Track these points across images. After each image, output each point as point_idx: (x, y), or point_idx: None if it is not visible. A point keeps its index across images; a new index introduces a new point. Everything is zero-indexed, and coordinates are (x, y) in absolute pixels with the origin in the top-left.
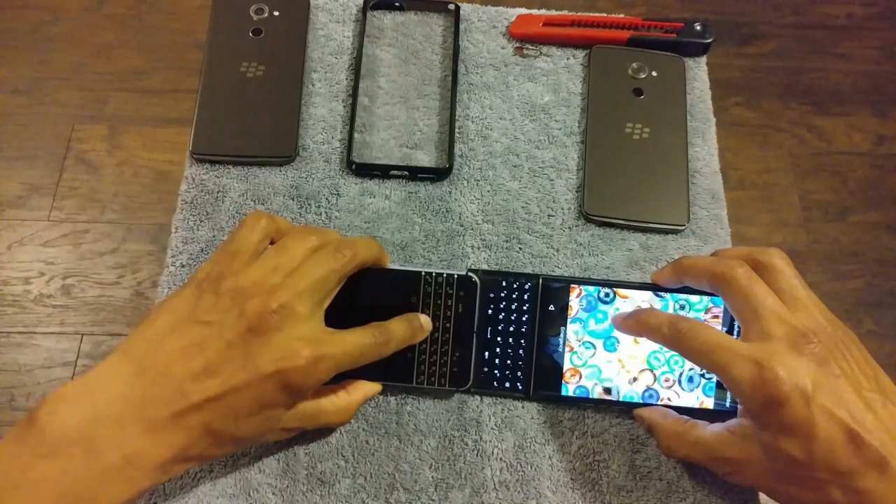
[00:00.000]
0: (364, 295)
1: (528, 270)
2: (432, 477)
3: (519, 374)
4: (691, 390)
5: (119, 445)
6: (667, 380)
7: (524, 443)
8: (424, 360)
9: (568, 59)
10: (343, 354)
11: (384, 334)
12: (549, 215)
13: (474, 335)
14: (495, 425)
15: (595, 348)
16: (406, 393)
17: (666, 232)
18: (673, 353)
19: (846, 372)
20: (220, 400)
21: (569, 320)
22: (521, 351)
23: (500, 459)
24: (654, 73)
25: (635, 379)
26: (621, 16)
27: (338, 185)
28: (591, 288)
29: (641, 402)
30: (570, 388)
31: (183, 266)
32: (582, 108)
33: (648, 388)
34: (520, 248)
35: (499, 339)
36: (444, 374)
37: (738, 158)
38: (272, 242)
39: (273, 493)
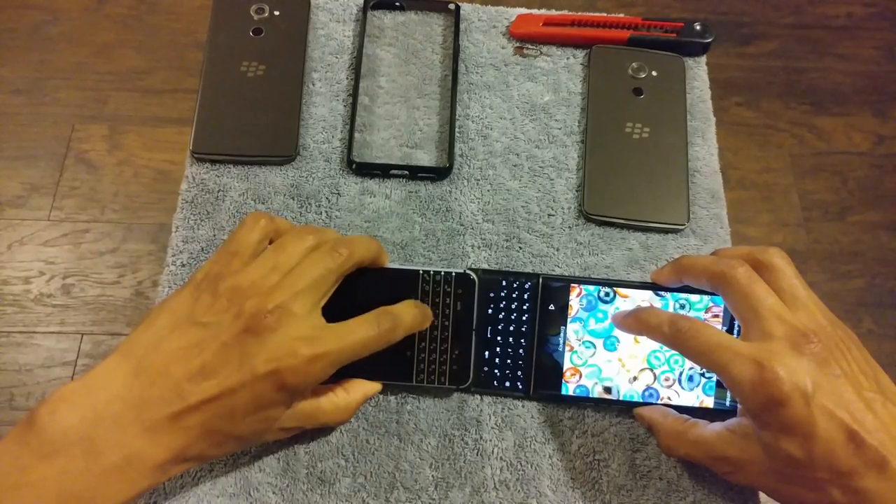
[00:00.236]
0: (363, 294)
1: (529, 270)
2: (432, 476)
3: (519, 373)
4: (691, 389)
5: (118, 446)
6: (667, 379)
7: (524, 442)
8: (424, 359)
9: (568, 58)
10: (341, 350)
11: (391, 320)
12: (549, 215)
13: (473, 333)
14: (495, 424)
15: (595, 347)
16: (406, 392)
17: (666, 231)
18: (673, 352)
19: (846, 372)
20: (217, 401)
21: (569, 319)
22: (521, 350)
23: (501, 458)
24: (654, 73)
25: (635, 378)
26: (621, 16)
27: (338, 184)
28: (591, 287)
29: (641, 401)
30: (570, 388)
31: (183, 265)
32: (582, 108)
33: (648, 388)
34: (520, 248)
35: (499, 338)
36: (444, 373)
37: (738, 158)
38: (272, 242)
39: (273, 493)
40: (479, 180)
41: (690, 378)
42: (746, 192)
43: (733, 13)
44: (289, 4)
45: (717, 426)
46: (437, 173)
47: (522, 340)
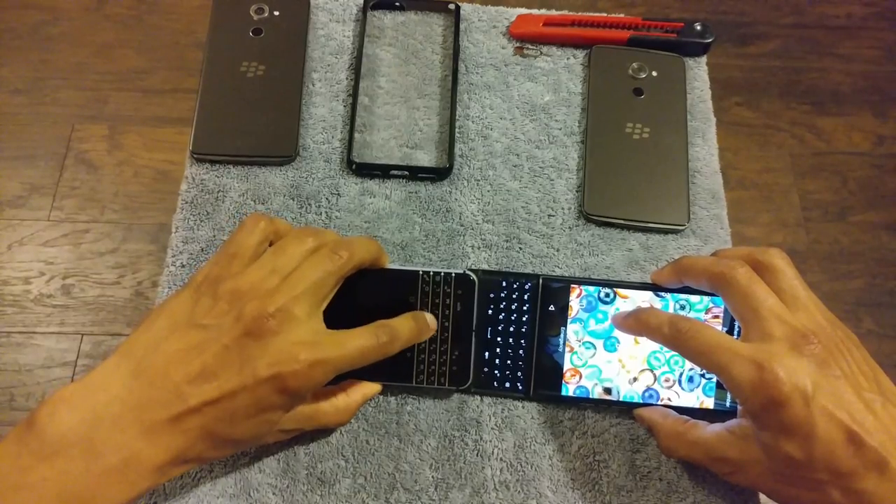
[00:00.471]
0: (363, 295)
1: (529, 270)
2: (432, 477)
3: (519, 374)
4: (691, 390)
5: (118, 447)
6: (667, 380)
7: (524, 443)
8: (424, 360)
9: (568, 58)
10: (341, 358)
11: (388, 333)
12: (549, 215)
13: (473, 334)
14: (495, 425)
15: (595, 348)
16: (406, 393)
17: (666, 232)
18: (673, 353)
19: (846, 373)
20: (216, 403)
21: (569, 320)
22: (521, 351)
23: (501, 459)
24: (654, 73)
25: (635, 379)
26: (621, 16)
27: (338, 184)
28: (591, 288)
29: (641, 402)
30: (570, 388)
31: (183, 266)
32: (582, 108)
33: (648, 388)
34: (520, 248)
35: (499, 339)
36: (444, 374)
37: (738, 158)
38: (272, 244)
39: (273, 493)
40: (479, 181)
41: (690, 379)
42: (746, 192)
43: (733, 13)
44: (289, 4)
45: (717, 427)
46: (437, 174)
47: (522, 341)
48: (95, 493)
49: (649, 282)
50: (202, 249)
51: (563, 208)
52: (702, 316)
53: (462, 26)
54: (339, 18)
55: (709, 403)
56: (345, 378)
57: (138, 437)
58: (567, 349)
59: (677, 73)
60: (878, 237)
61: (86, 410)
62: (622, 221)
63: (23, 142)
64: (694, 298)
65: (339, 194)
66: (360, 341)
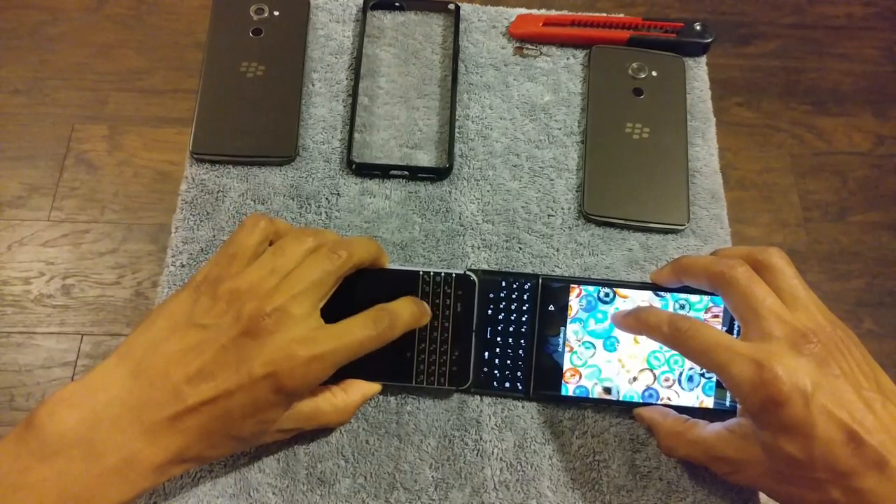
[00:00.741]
0: (362, 295)
1: (528, 270)
2: (432, 477)
3: (519, 373)
4: (691, 390)
5: (117, 447)
6: (666, 379)
7: (524, 442)
8: (424, 360)
9: (568, 59)
10: (338, 351)
11: (388, 318)
12: (549, 215)
13: (473, 334)
14: (495, 425)
15: (595, 348)
16: (406, 393)
17: (666, 232)
18: (673, 352)
19: (846, 372)
20: (214, 402)
21: (568, 320)
22: (520, 351)
23: (500, 459)
24: (654, 73)
25: (635, 378)
26: (621, 16)
27: (338, 184)
28: (590, 288)
29: (641, 401)
30: (569, 388)
31: (183, 266)
32: (582, 108)
33: (648, 388)
34: (520, 248)
35: (499, 338)
36: (444, 374)
37: (738, 158)
38: (272, 244)
39: (273, 493)
40: (478, 181)
41: (690, 378)
42: (746, 192)
43: (733, 13)
44: (289, 4)
45: (717, 426)
46: (437, 174)
47: (522, 341)
48: (95, 493)
49: (649, 282)
50: (202, 249)
51: (562, 208)
52: (701, 315)
53: (462, 26)
54: (339, 18)
55: (708, 403)
56: (345, 377)
57: (138, 437)
58: (567, 349)
59: (677, 73)
60: (878, 237)
61: (85, 410)
62: (622, 221)
63: (23, 142)
64: (693, 298)
65: (338, 194)
66: (358, 331)
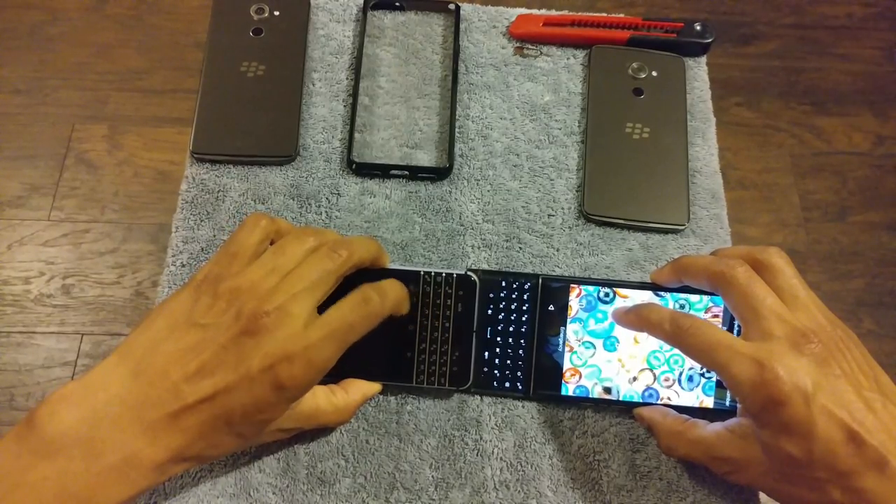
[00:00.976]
0: None
1: (528, 270)
2: (432, 476)
3: (519, 373)
4: (691, 389)
5: (117, 446)
6: (666, 379)
7: (524, 442)
8: (424, 360)
9: (568, 59)
10: (335, 336)
11: (377, 295)
12: (549, 215)
13: (474, 334)
14: (495, 425)
15: (595, 348)
16: (406, 393)
17: (666, 232)
18: (673, 352)
19: (846, 372)
20: (213, 400)
21: (568, 320)
22: (520, 351)
23: (501, 459)
24: (654, 73)
25: (635, 378)
26: (621, 16)
27: (338, 184)
28: (590, 288)
29: (641, 401)
30: (569, 388)
31: (183, 266)
32: (582, 108)
33: (648, 388)
34: (520, 248)
35: (499, 338)
36: (444, 374)
37: (738, 158)
38: (272, 243)
39: (273, 493)
40: (479, 180)
41: (690, 378)
42: (746, 192)
43: (733, 13)
44: (289, 4)
45: (717, 426)
46: (437, 173)
47: (522, 341)
48: (95, 492)
49: (649, 282)
50: (202, 249)
51: (563, 208)
52: (701, 315)
53: (462, 26)
54: (339, 18)
55: (708, 402)
56: (345, 377)
57: (138, 436)
58: (567, 349)
59: (677, 73)
60: (878, 237)
61: (85, 409)
62: (622, 221)
63: (23, 142)
64: (693, 298)
65: (339, 194)
66: (349, 314)
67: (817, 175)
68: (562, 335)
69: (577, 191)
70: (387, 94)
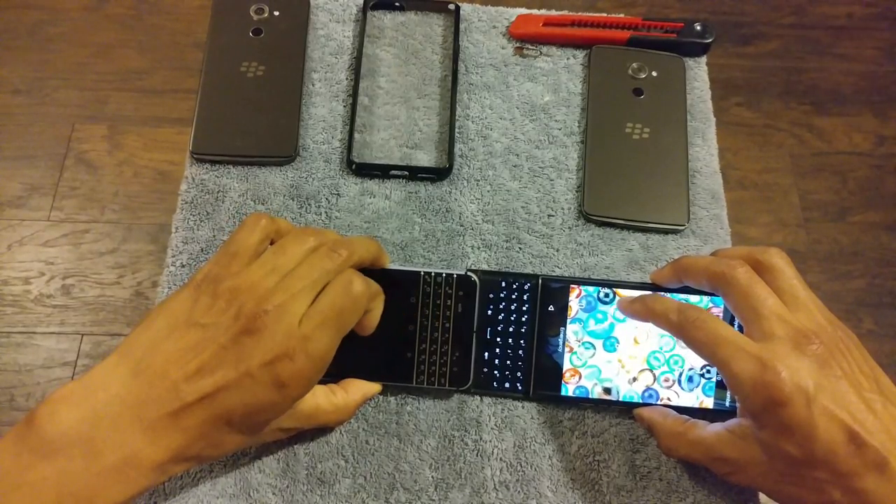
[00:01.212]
0: None
1: (528, 270)
2: (432, 477)
3: (519, 374)
4: (691, 390)
5: (117, 446)
6: (666, 380)
7: (524, 443)
8: (424, 360)
9: (568, 59)
10: (326, 325)
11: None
12: (549, 215)
13: (474, 335)
14: (495, 425)
15: (595, 348)
16: (406, 393)
17: (666, 232)
18: (673, 353)
19: (847, 373)
20: (213, 399)
21: (568, 320)
22: (520, 351)
23: (500, 459)
24: (654, 73)
25: (635, 379)
26: (621, 16)
27: (338, 185)
28: (590, 288)
29: (641, 401)
30: (569, 388)
31: (183, 266)
32: (582, 108)
33: (648, 388)
34: (520, 248)
35: (498, 339)
36: (444, 374)
37: (738, 158)
38: (272, 243)
39: (273, 493)
40: (478, 181)
41: (690, 379)
42: (746, 192)
43: (733, 13)
44: (289, 4)
45: (717, 427)
46: (437, 174)
47: (522, 341)
48: (95, 492)
49: (649, 282)
50: (202, 249)
51: (562, 208)
52: None
53: (462, 26)
54: (339, 18)
55: (708, 403)
56: (345, 376)
57: (138, 436)
58: (566, 349)
59: (677, 73)
60: (878, 237)
61: (85, 409)
62: (622, 221)
63: (23, 142)
64: (694, 298)
65: (339, 194)
66: (335, 299)
67: (817, 175)
68: (562, 335)
69: (576, 191)
70: (386, 95)
